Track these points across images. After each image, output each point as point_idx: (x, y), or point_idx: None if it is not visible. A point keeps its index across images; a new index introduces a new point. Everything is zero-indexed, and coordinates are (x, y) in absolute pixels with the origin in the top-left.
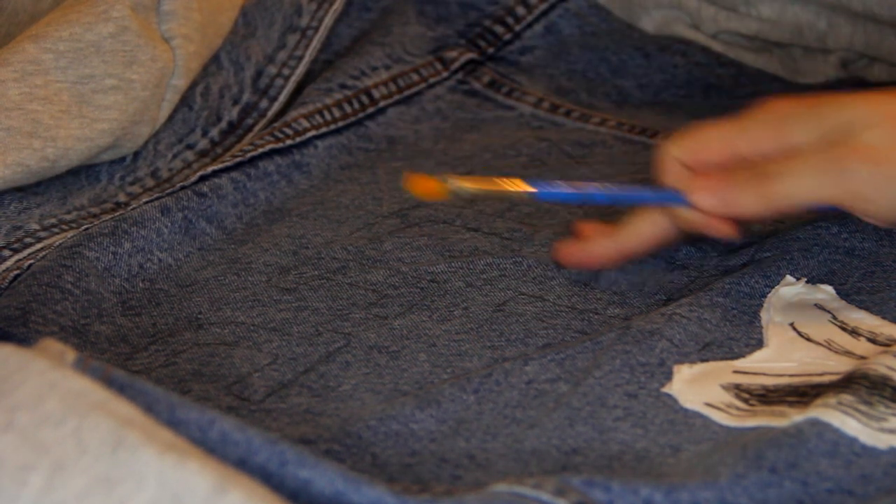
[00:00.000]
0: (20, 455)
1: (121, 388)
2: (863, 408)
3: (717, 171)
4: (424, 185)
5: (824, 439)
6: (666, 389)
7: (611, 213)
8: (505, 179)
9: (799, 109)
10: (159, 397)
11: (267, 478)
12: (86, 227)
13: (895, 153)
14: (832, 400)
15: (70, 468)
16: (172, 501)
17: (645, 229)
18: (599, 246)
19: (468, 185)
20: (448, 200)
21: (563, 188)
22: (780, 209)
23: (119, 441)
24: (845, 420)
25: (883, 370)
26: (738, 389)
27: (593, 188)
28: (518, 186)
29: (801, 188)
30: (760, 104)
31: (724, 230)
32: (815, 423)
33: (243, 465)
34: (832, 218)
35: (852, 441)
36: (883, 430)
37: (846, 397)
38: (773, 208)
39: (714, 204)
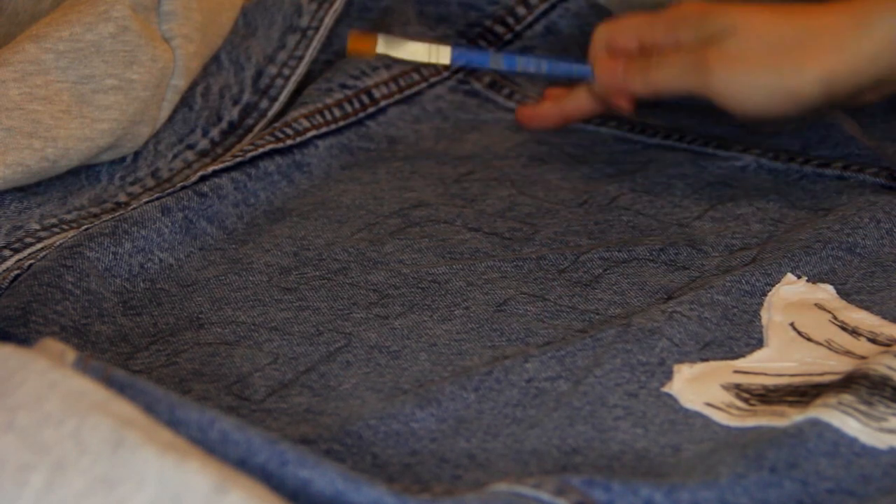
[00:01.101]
0: (20, 455)
1: (121, 388)
2: (863, 408)
3: (623, 57)
4: (359, 43)
5: (824, 439)
6: (666, 389)
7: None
8: (434, 48)
9: (694, 12)
10: (159, 397)
11: (267, 478)
12: (86, 227)
13: (746, 58)
14: (832, 400)
15: (70, 468)
16: (172, 501)
17: (581, 99)
18: (547, 108)
19: (392, 52)
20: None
21: (480, 56)
22: (658, 92)
23: (119, 441)
24: (845, 420)
25: (883, 370)
26: (738, 389)
27: (511, 60)
28: (439, 58)
29: (671, 78)
30: (674, 5)
31: (620, 104)
32: (816, 423)
33: (243, 464)
34: (833, 216)
35: (852, 441)
36: (883, 430)
37: (846, 397)
38: (650, 90)
39: (609, 83)
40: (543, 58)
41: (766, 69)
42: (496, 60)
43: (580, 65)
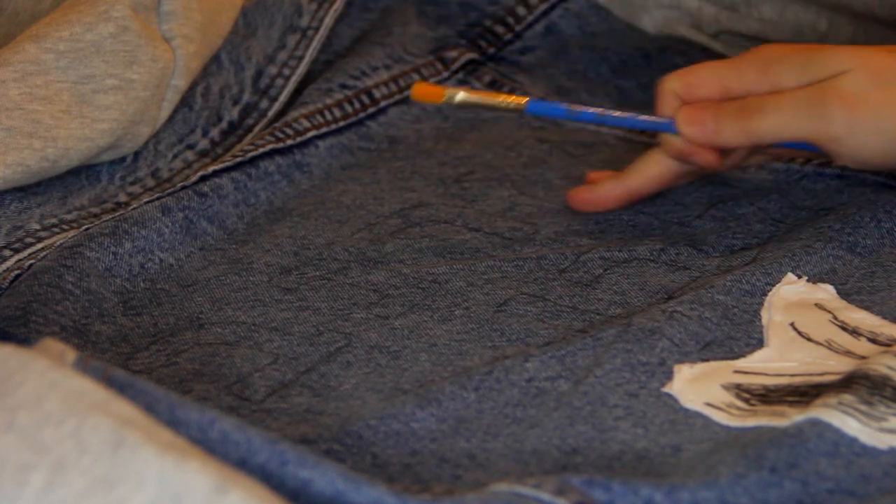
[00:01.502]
0: (20, 455)
1: (121, 388)
2: (863, 408)
3: (706, 104)
4: (425, 91)
5: (824, 439)
6: (666, 389)
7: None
8: (504, 94)
9: (788, 54)
10: (160, 397)
11: (267, 478)
12: (86, 227)
13: (869, 99)
14: (832, 400)
15: (70, 468)
16: (172, 501)
17: (650, 169)
18: (608, 188)
19: (465, 95)
20: (443, 104)
21: (555, 105)
22: (759, 141)
23: (119, 441)
24: (845, 420)
25: (883, 370)
26: (738, 389)
27: (586, 109)
28: (514, 100)
29: (780, 123)
30: (754, 48)
31: (707, 159)
32: (816, 423)
33: (243, 465)
34: (834, 215)
35: (852, 441)
36: (883, 430)
37: (847, 397)
38: (752, 140)
39: (698, 131)
40: (620, 111)
41: (890, 112)
42: (573, 112)
43: (656, 117)
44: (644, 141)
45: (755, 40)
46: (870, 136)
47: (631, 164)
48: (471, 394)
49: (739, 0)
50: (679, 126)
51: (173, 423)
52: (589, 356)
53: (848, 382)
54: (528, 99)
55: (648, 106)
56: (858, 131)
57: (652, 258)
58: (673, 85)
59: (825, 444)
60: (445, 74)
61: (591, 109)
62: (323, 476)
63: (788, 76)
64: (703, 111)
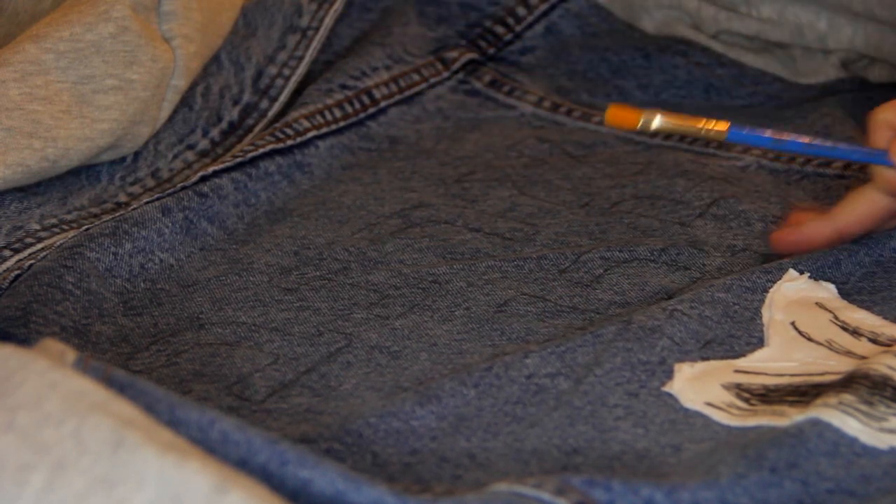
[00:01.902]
0: (20, 455)
1: (121, 388)
2: (863, 408)
3: None
4: (620, 115)
5: (825, 439)
6: (667, 388)
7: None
8: (703, 120)
9: None
10: (160, 397)
11: (267, 478)
12: (86, 227)
13: None
14: (833, 400)
15: (70, 468)
16: (172, 501)
17: (861, 206)
18: (817, 228)
19: (662, 119)
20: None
21: (759, 133)
22: None
23: (119, 441)
24: (846, 420)
25: (884, 370)
26: (738, 389)
27: (795, 139)
28: (714, 126)
29: None
30: None
31: None
32: (816, 423)
33: (244, 465)
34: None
35: (853, 441)
36: (883, 430)
37: (847, 397)
38: None
39: None
40: (828, 140)
41: None
42: (779, 142)
43: (870, 149)
44: (644, 141)
45: (755, 40)
46: None
47: (840, 202)
48: (470, 390)
49: (739, 0)
50: (894, 157)
51: (173, 423)
52: (589, 353)
53: (848, 382)
54: (729, 126)
55: (648, 104)
56: None
57: (652, 258)
58: (888, 115)
59: (825, 443)
60: (445, 74)
61: (800, 139)
62: (323, 476)
63: None
64: None
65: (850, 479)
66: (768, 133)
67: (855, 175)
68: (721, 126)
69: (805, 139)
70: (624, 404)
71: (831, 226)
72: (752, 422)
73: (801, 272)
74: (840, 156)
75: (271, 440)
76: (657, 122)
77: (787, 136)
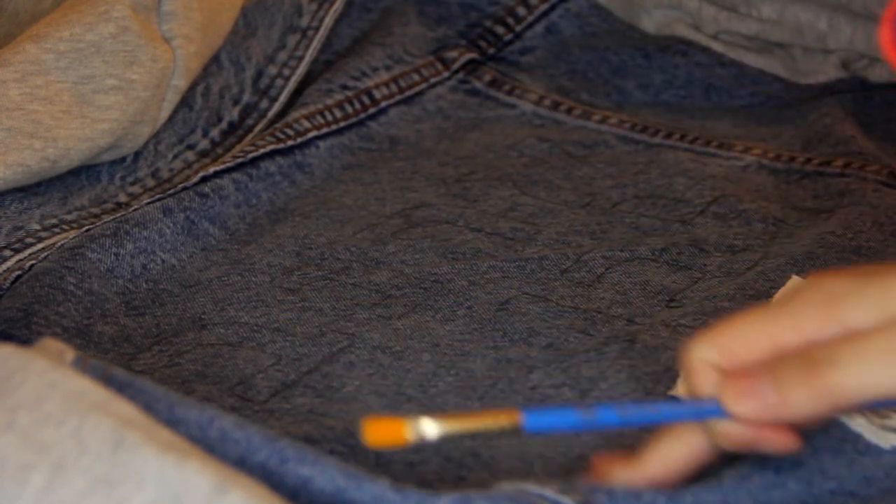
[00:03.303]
0: (21, 455)
1: (120, 387)
2: None
3: (758, 367)
4: (383, 431)
5: (830, 435)
6: (673, 392)
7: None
8: (490, 413)
9: (854, 285)
10: (159, 396)
11: (267, 476)
12: (87, 227)
13: None
14: None
15: (70, 468)
16: (173, 501)
17: (675, 452)
18: (621, 481)
19: (442, 425)
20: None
21: (561, 415)
22: (841, 405)
23: (119, 441)
24: (851, 416)
25: None
26: None
27: (604, 411)
28: (504, 418)
29: (867, 377)
30: (804, 285)
31: (780, 442)
32: None
33: (243, 463)
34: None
35: (856, 438)
36: (885, 427)
37: None
38: (832, 405)
39: (758, 408)
40: (644, 404)
41: None
42: (587, 414)
43: (695, 403)
44: (645, 141)
45: (755, 40)
46: None
47: (648, 446)
48: (475, 403)
49: (739, 0)
50: (729, 406)
51: (173, 422)
52: (593, 368)
53: None
54: (519, 414)
55: (649, 106)
56: None
57: (653, 258)
58: (704, 352)
59: (830, 440)
60: (446, 74)
61: (613, 408)
62: (323, 473)
63: (861, 314)
64: (756, 378)
65: (853, 480)
66: (573, 409)
67: (855, 174)
68: (512, 417)
69: (619, 408)
70: None
71: (639, 478)
72: None
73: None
74: (663, 419)
75: (271, 438)
76: (431, 429)
77: (596, 407)
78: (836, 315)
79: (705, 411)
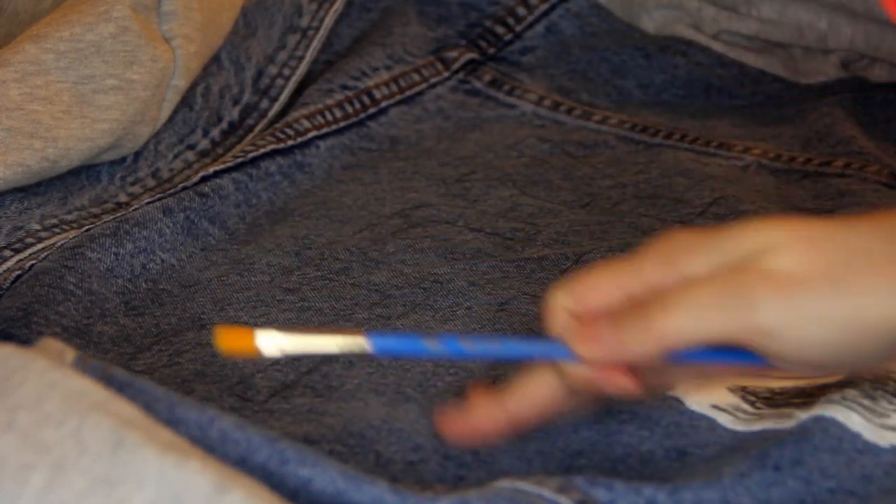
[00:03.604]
0: (21, 455)
1: (120, 387)
2: (866, 402)
3: (604, 316)
4: (233, 339)
5: (829, 434)
6: (672, 391)
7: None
8: (337, 331)
9: (695, 239)
10: (159, 396)
11: (267, 476)
12: (87, 227)
13: (809, 279)
14: (836, 395)
15: (70, 468)
16: (173, 501)
17: (535, 391)
18: (485, 415)
19: (292, 339)
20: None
21: (407, 341)
22: (670, 346)
23: (119, 441)
24: (849, 415)
25: None
26: (744, 392)
27: (450, 341)
28: (352, 340)
29: (688, 319)
30: (656, 239)
31: (621, 383)
32: (820, 419)
33: (243, 463)
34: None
35: (855, 437)
36: (885, 426)
37: (850, 392)
38: (662, 346)
39: (599, 350)
40: (492, 338)
41: (837, 293)
42: (431, 342)
43: (543, 342)
44: (645, 141)
45: (755, 40)
46: (813, 325)
47: (511, 384)
48: None
49: (739, 0)
50: (573, 347)
51: (173, 422)
52: None
53: (852, 377)
54: (364, 334)
55: (649, 106)
56: (796, 320)
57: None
58: (561, 300)
59: (830, 439)
60: (446, 74)
61: (461, 341)
62: (323, 474)
63: (697, 263)
64: (601, 325)
65: (852, 478)
66: (418, 336)
67: (855, 174)
68: (359, 338)
69: (466, 338)
70: (629, 409)
71: (502, 414)
72: (757, 427)
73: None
74: (512, 356)
75: (271, 438)
76: (281, 340)
77: (440, 336)
78: (674, 265)
79: (554, 352)
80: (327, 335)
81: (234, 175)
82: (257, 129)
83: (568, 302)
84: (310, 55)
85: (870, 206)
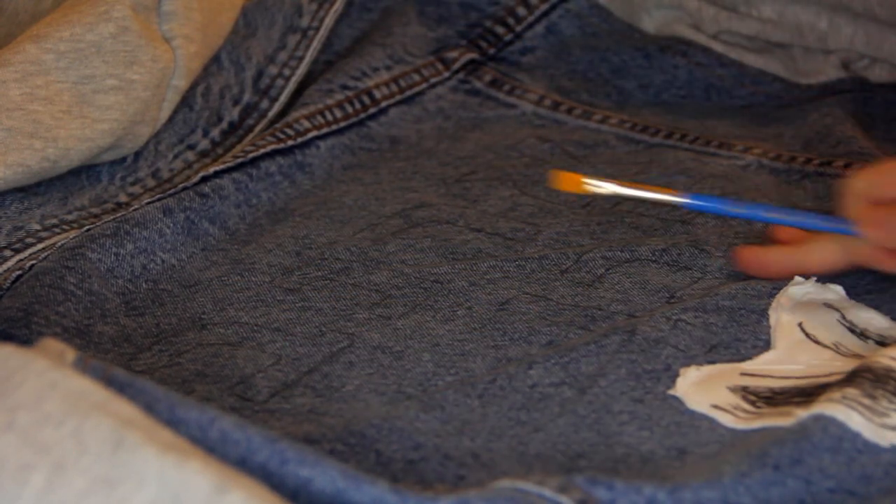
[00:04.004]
0: (21, 455)
1: (121, 388)
2: (866, 401)
3: (892, 204)
4: (567, 181)
5: (829, 433)
6: (672, 392)
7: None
8: (655, 188)
9: None
10: (159, 396)
11: (267, 476)
12: (87, 227)
13: None
14: (837, 394)
15: (70, 468)
16: (173, 501)
17: (824, 254)
18: (779, 258)
19: (612, 188)
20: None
21: (714, 204)
22: None
23: (119, 441)
24: (849, 414)
25: (886, 361)
26: (745, 391)
27: (758, 208)
28: (667, 194)
29: None
30: None
31: (891, 265)
32: (820, 418)
33: (243, 463)
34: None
35: (855, 436)
36: (885, 426)
37: (850, 391)
38: None
39: (880, 236)
40: (790, 211)
41: None
42: (737, 208)
43: (837, 220)
44: (645, 141)
45: (755, 40)
46: None
47: (808, 244)
48: (474, 400)
49: (739, 0)
50: (861, 229)
51: (173, 422)
52: (592, 363)
53: (852, 377)
54: (682, 195)
55: (649, 106)
56: None
57: (654, 258)
58: (859, 185)
59: (829, 438)
60: (446, 74)
61: (761, 207)
62: (323, 474)
63: None
64: (887, 213)
65: (852, 478)
66: (726, 205)
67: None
68: (675, 193)
69: (765, 209)
70: (629, 410)
71: (793, 261)
72: (757, 424)
73: (808, 277)
74: (805, 226)
75: (271, 439)
76: (607, 187)
77: (746, 204)
78: None
79: (842, 229)
80: (648, 190)
81: (235, 175)
82: (257, 129)
83: (864, 188)
84: (310, 55)
85: None
